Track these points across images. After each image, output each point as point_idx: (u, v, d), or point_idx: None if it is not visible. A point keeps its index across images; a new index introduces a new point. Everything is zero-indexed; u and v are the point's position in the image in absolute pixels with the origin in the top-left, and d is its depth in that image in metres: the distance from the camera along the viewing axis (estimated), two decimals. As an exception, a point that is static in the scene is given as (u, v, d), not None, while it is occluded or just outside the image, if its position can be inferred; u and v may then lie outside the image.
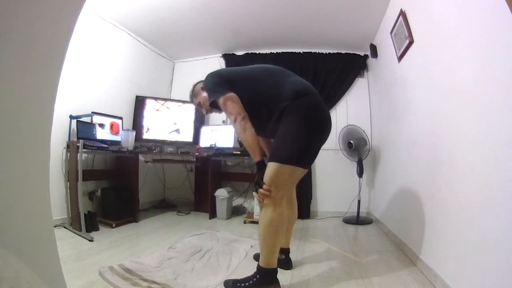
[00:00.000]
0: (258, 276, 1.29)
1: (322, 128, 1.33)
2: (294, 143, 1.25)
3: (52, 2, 0.67)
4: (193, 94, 1.63)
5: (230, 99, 1.31)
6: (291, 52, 3.37)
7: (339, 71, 3.26)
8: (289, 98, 1.27)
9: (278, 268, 1.33)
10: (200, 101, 1.58)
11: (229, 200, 2.95)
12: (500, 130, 0.99)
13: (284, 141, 1.27)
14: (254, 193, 1.30)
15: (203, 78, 1.67)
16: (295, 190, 1.65)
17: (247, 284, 1.30)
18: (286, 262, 1.59)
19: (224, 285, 1.35)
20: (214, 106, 1.41)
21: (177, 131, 3.31)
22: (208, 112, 1.60)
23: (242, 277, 1.35)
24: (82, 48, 2.48)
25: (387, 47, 2.46)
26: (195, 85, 1.63)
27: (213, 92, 1.37)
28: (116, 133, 2.72)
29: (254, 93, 1.35)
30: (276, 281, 1.31)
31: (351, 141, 2.88)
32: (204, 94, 1.52)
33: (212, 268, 1.58)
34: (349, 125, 3.03)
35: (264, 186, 1.24)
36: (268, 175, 1.25)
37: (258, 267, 1.31)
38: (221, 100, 1.32)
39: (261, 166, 1.28)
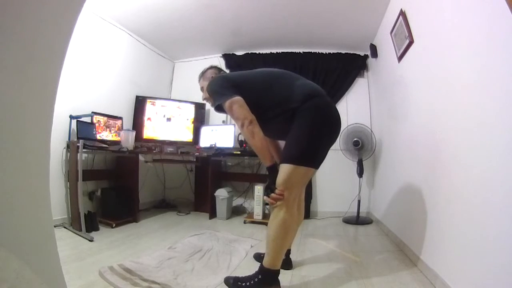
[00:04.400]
0: (260, 276, 1.29)
1: (333, 128, 1.34)
2: (307, 144, 1.24)
3: (52, 2, 0.67)
4: (203, 76, 1.64)
5: (237, 103, 1.28)
6: (291, 52, 3.37)
7: (339, 71, 3.26)
8: (299, 100, 1.27)
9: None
10: (203, 87, 1.59)
11: (229, 200, 2.95)
12: (501, 130, 0.99)
13: (297, 143, 1.26)
14: (265, 197, 1.29)
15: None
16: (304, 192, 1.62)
17: (248, 284, 1.29)
18: (286, 263, 1.59)
19: (224, 282, 1.36)
20: (219, 110, 1.38)
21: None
22: (208, 101, 1.59)
23: (243, 275, 1.35)
24: (82, 48, 2.48)
25: (387, 47, 2.46)
26: (208, 68, 1.66)
27: (218, 95, 1.35)
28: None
29: (262, 96, 1.33)
30: (277, 282, 1.31)
31: (358, 139, 2.85)
32: None
33: (212, 268, 1.58)
34: (355, 123, 2.99)
35: (277, 191, 1.23)
36: (282, 177, 1.23)
37: (261, 267, 1.30)
38: (227, 104, 1.29)
39: (272, 170, 1.27)
